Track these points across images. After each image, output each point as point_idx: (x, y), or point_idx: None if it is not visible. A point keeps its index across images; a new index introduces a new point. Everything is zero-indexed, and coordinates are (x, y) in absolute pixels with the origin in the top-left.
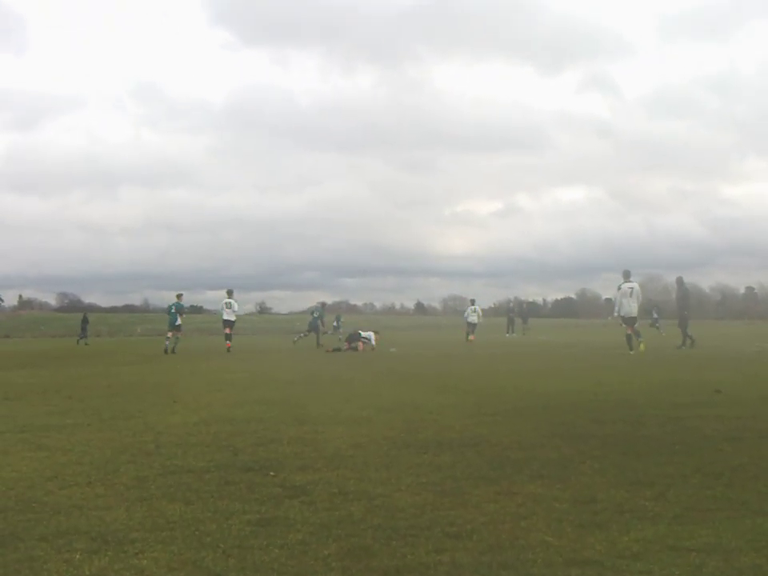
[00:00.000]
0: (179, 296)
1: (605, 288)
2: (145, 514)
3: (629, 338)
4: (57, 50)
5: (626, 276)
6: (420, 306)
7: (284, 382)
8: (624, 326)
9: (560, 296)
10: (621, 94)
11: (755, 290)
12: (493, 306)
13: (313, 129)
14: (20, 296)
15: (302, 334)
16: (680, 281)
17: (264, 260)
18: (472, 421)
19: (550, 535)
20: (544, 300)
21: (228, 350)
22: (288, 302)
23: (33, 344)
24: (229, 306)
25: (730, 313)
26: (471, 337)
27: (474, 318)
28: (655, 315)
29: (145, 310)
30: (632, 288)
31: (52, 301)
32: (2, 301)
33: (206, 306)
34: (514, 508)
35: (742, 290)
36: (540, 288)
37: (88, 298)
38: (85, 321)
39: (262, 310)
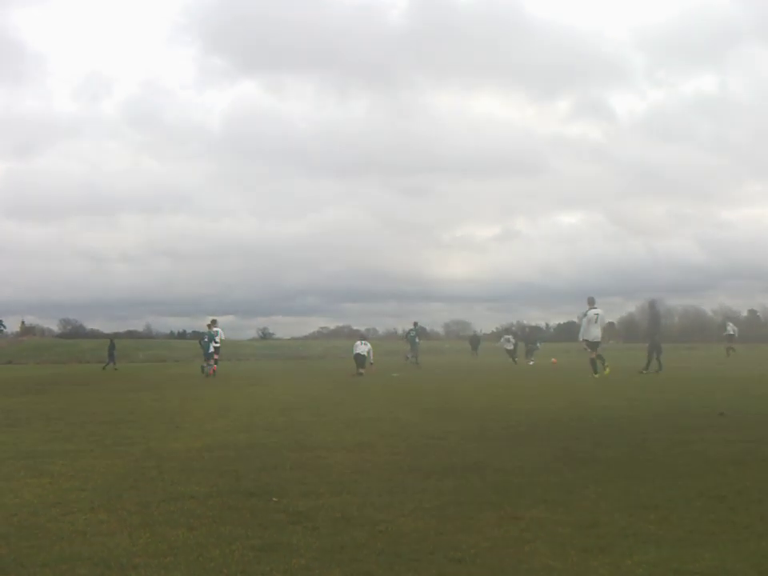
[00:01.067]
0: (213, 322)
1: (608, 312)
2: (148, 539)
3: (593, 362)
4: (54, 78)
5: (591, 303)
6: (422, 331)
7: (286, 408)
8: (588, 350)
9: (562, 320)
10: (614, 118)
11: (758, 313)
12: (495, 330)
13: (310, 155)
14: (22, 322)
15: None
16: (652, 303)
17: (265, 286)
18: (475, 445)
19: (554, 560)
20: (547, 324)
21: (213, 374)
22: (290, 327)
23: (35, 370)
24: (217, 333)
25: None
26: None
27: (509, 346)
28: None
29: (147, 335)
30: (597, 314)
31: (54, 327)
32: (5, 327)
33: None
34: (518, 533)
35: (744, 313)
36: (542, 312)
37: (90, 324)
38: (112, 347)
39: (265, 335)
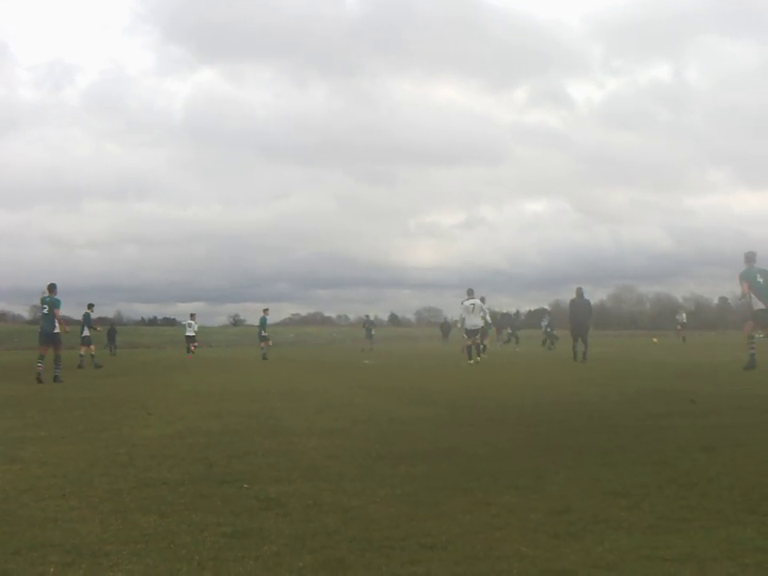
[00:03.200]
0: (265, 311)
1: None
2: (119, 526)
3: (469, 349)
4: (16, 66)
5: (470, 293)
6: (394, 318)
7: (259, 394)
8: (466, 337)
9: (531, 307)
10: (573, 107)
11: (728, 300)
12: None
13: (271, 142)
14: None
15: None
16: (579, 292)
17: (234, 272)
18: (446, 432)
19: (525, 545)
20: (518, 311)
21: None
22: (260, 313)
23: (6, 356)
24: (190, 326)
25: (703, 323)
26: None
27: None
28: (544, 323)
29: (118, 322)
30: (474, 304)
31: (25, 313)
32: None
33: (177, 319)
34: (489, 519)
35: (716, 301)
36: (511, 299)
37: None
38: (113, 332)
39: (236, 322)
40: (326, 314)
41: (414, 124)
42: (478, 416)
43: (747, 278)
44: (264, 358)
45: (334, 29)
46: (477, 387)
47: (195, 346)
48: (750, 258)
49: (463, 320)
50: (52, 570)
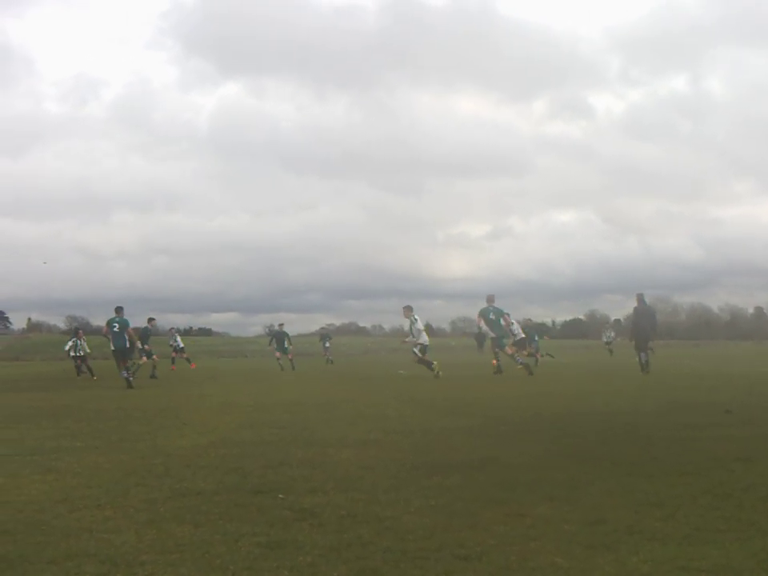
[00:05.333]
0: (281, 325)
1: (611, 309)
2: (154, 536)
3: (424, 361)
4: (42, 80)
5: (409, 310)
6: (429, 328)
7: (293, 404)
8: (420, 354)
9: (564, 317)
10: (593, 118)
11: (765, 310)
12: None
13: (295, 154)
14: (29, 319)
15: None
16: (640, 297)
17: (266, 282)
18: (481, 442)
19: (560, 557)
20: (553, 321)
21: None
22: (295, 324)
23: (42, 367)
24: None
25: (739, 333)
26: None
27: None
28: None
29: (153, 332)
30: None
31: (60, 323)
32: (11, 324)
33: (214, 329)
34: (524, 530)
35: (751, 310)
36: (543, 309)
37: (96, 321)
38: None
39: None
40: (361, 324)
41: (435, 136)
42: (512, 426)
43: (483, 314)
44: (284, 368)
45: (352, 42)
46: (511, 397)
47: (180, 358)
48: (490, 299)
49: (419, 336)
50: None
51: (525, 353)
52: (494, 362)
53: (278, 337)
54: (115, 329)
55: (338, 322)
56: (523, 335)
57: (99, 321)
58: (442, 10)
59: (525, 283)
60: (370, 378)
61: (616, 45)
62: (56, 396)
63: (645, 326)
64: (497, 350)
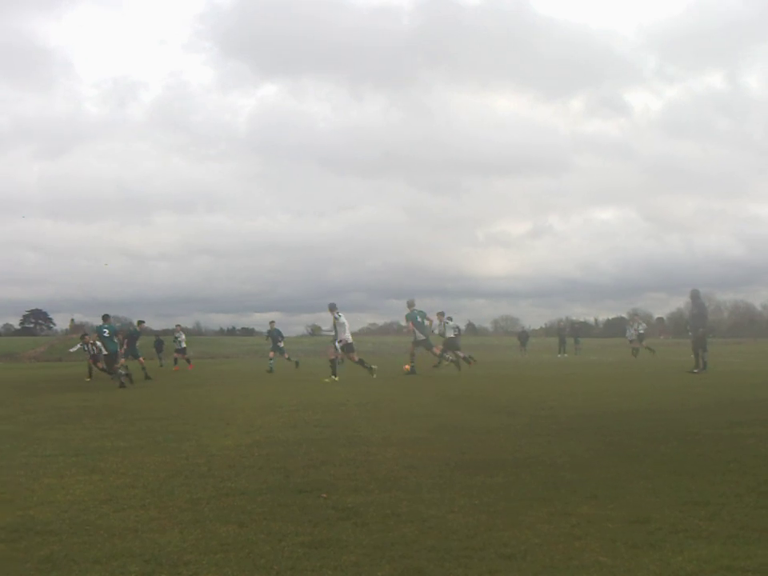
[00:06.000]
0: (272, 323)
1: (654, 307)
2: (198, 536)
3: (333, 362)
4: (81, 82)
5: (333, 308)
6: (471, 327)
7: (336, 404)
8: (342, 353)
9: (607, 316)
10: (631, 116)
11: None
12: (544, 326)
13: (334, 154)
14: (72, 320)
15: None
16: (695, 294)
17: (308, 282)
18: (524, 441)
19: (604, 555)
20: (596, 320)
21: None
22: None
23: (85, 368)
24: (178, 338)
25: None
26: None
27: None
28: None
29: (197, 332)
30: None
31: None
32: (54, 325)
33: (257, 329)
34: (568, 528)
35: None
36: (586, 308)
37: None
38: (160, 343)
39: (313, 332)
40: (403, 324)
41: (473, 134)
42: (556, 425)
43: (411, 318)
44: (272, 370)
45: (388, 42)
46: (555, 396)
47: (181, 359)
48: (411, 303)
49: (341, 334)
50: None
51: (459, 352)
52: (407, 366)
53: (272, 336)
54: (105, 334)
55: (380, 322)
56: (453, 335)
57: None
58: (478, 9)
59: (567, 282)
60: (412, 377)
61: (652, 42)
62: (99, 396)
63: (699, 325)
64: (416, 352)
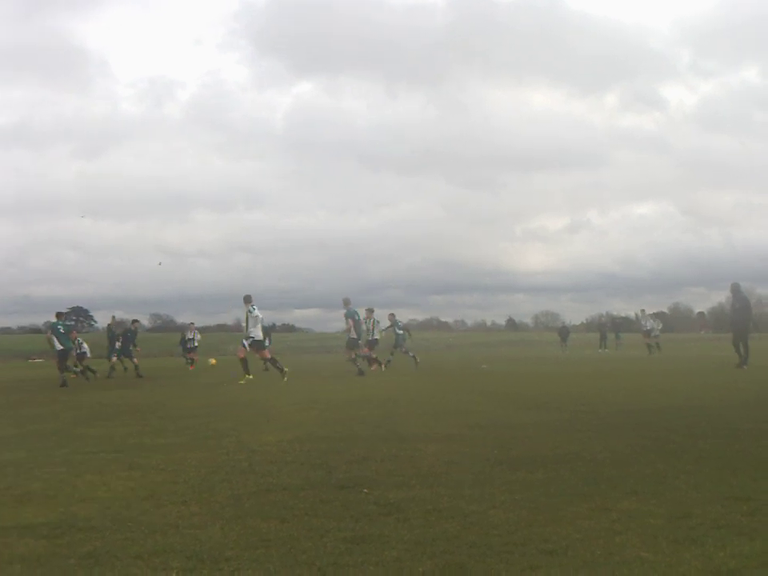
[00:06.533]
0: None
1: (694, 302)
2: (240, 532)
3: (244, 362)
4: (118, 82)
5: (248, 300)
6: (511, 322)
7: (376, 400)
8: (249, 349)
9: (648, 311)
10: (666, 110)
11: None
12: (584, 321)
13: (371, 151)
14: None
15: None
16: (736, 288)
17: (347, 279)
18: (565, 437)
19: (645, 551)
20: (637, 315)
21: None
22: (378, 319)
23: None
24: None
25: None
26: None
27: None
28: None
29: (237, 329)
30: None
31: (144, 321)
32: (96, 322)
33: (297, 325)
34: (609, 524)
35: None
36: (625, 303)
37: (180, 318)
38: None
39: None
40: (443, 320)
41: (508, 130)
42: (596, 421)
43: (351, 315)
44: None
45: (422, 39)
46: (595, 392)
47: (189, 357)
48: (347, 302)
49: (253, 330)
50: (174, 574)
51: (373, 354)
52: (356, 364)
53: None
54: (60, 331)
55: (420, 318)
56: (377, 337)
57: (183, 318)
58: (511, 6)
59: (606, 276)
60: (452, 373)
61: (686, 37)
62: (139, 393)
63: (742, 319)
64: (353, 350)
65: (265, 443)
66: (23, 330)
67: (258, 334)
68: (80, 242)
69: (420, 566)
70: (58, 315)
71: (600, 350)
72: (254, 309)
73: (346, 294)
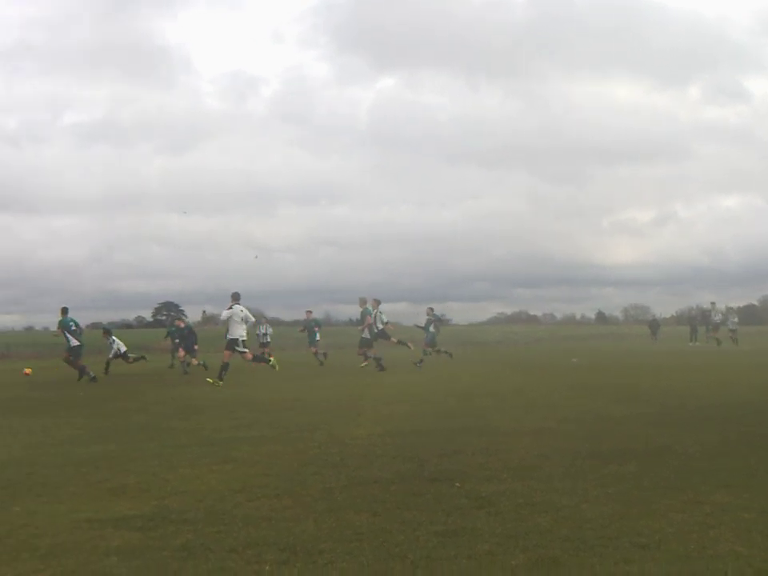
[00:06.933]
0: (309, 312)
1: None
2: (332, 525)
3: (225, 366)
4: (200, 79)
5: (236, 298)
6: (601, 316)
7: (465, 394)
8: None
9: (737, 303)
10: (751, 103)
11: None
12: (674, 314)
13: (452, 145)
14: (203, 311)
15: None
16: None
17: (433, 272)
18: (656, 430)
19: (740, 545)
20: (727, 308)
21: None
22: (466, 312)
23: (217, 358)
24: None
25: None
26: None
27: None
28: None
29: (327, 323)
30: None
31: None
32: (186, 317)
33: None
34: (702, 518)
35: None
36: (714, 296)
37: (270, 312)
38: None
39: (442, 321)
40: (531, 313)
41: (592, 123)
42: (687, 414)
43: (367, 314)
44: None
45: (502, 33)
46: (685, 385)
47: (265, 352)
48: (363, 301)
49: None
50: (268, 568)
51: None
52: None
53: (308, 327)
54: (72, 328)
55: (508, 311)
56: (381, 327)
57: (274, 312)
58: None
59: (695, 269)
60: (542, 367)
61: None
62: (231, 387)
63: None
64: (367, 349)
65: (356, 437)
66: (113, 326)
67: (238, 333)
68: (167, 237)
69: (512, 560)
70: (64, 311)
71: (690, 344)
72: (235, 308)
73: (434, 288)
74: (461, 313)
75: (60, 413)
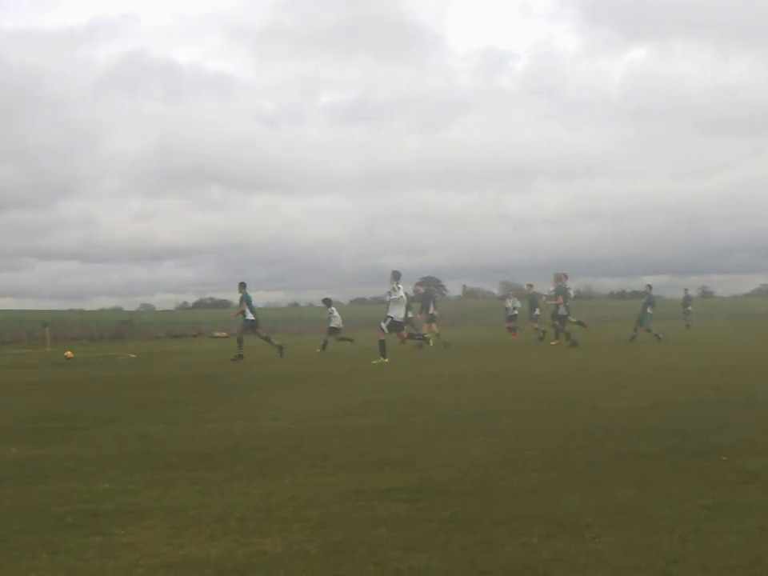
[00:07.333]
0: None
1: None
2: (597, 498)
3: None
4: (451, 56)
5: (397, 276)
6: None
7: (730, 367)
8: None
9: None
10: None
11: None
12: None
13: (705, 115)
14: (464, 286)
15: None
16: None
17: (692, 244)
18: None
19: None
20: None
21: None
22: (728, 285)
23: (475, 332)
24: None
25: None
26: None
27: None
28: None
29: (587, 296)
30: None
31: (494, 289)
32: (447, 291)
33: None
34: None
35: None
36: None
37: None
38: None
39: (705, 294)
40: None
41: None
42: None
43: (561, 292)
44: (447, 345)
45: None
46: None
47: (511, 328)
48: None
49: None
50: (535, 540)
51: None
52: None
53: (423, 301)
54: (252, 302)
55: None
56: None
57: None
58: None
59: None
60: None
61: None
62: (493, 360)
63: None
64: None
65: (619, 410)
66: (376, 301)
67: (399, 314)
68: (424, 213)
69: None
70: (242, 285)
71: None
72: (399, 288)
73: (694, 259)
74: (723, 284)
75: (322, 388)
